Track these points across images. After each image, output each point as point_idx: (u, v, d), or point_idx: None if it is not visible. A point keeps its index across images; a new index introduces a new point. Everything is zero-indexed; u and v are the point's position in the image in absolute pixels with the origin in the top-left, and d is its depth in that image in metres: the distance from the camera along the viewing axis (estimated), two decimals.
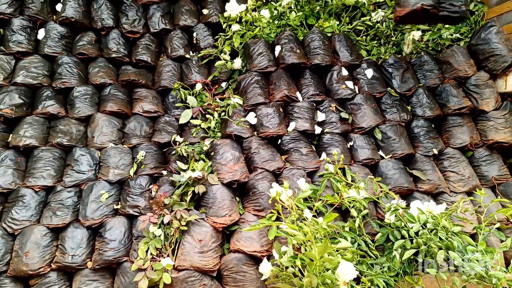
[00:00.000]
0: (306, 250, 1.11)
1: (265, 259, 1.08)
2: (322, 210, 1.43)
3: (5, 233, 1.46)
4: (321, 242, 1.01)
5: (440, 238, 1.21)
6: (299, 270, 1.00)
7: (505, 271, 1.09)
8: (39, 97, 1.79)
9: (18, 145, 1.62)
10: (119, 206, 1.59)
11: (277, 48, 1.90)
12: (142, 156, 1.72)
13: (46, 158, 1.63)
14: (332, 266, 0.89)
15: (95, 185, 1.59)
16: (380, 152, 1.75)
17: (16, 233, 1.47)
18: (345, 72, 1.90)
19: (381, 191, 1.53)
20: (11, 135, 1.68)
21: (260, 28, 2.04)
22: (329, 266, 0.90)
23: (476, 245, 1.19)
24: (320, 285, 0.89)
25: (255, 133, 1.71)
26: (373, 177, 1.59)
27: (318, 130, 1.75)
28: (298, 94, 1.82)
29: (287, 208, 1.20)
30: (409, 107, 1.86)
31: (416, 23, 1.89)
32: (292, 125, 1.72)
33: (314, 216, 1.21)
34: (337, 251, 1.00)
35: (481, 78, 1.84)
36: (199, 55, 2.04)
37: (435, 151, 1.73)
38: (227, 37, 2.07)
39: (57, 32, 1.92)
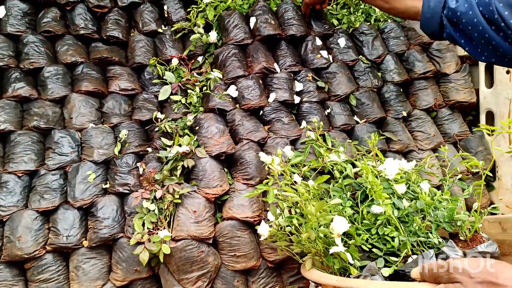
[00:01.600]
0: (296, 212, 1.21)
1: (263, 222, 1.17)
2: (307, 174, 1.53)
3: None
4: (313, 202, 1.11)
5: (413, 192, 1.35)
6: (295, 228, 1.10)
7: (467, 215, 1.25)
8: (7, 80, 1.70)
9: None
10: (107, 185, 1.60)
11: (252, 20, 1.91)
12: (125, 134, 1.71)
13: (25, 142, 1.58)
14: (326, 221, 0.99)
15: (81, 166, 1.58)
16: (355, 117, 1.87)
17: (4, 220, 1.45)
18: (319, 42, 1.96)
19: (358, 153, 1.65)
20: None
21: (233, 0, 2.03)
22: (323, 222, 1.00)
23: (442, 194, 1.34)
24: (317, 238, 0.99)
25: (237, 105, 1.76)
26: (350, 141, 1.71)
27: (297, 99, 1.82)
28: (275, 66, 1.86)
29: (279, 174, 1.28)
30: (379, 73, 1.97)
31: None
32: (272, 96, 1.78)
33: (302, 180, 1.31)
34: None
35: (443, 43, 1.98)
36: (172, 29, 2.00)
37: (404, 114, 1.88)
38: (200, 9, 2.04)
39: (18, 9, 1.80)
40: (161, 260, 1.40)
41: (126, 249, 1.47)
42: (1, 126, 1.58)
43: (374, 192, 1.20)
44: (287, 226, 1.12)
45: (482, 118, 1.93)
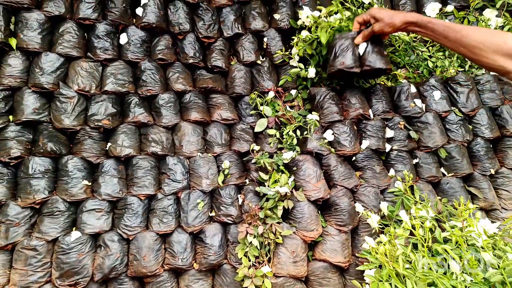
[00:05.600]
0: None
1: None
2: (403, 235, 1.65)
3: (121, 238, 1.68)
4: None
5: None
6: None
7: None
8: (127, 105, 1.90)
9: (120, 155, 1.77)
10: (213, 214, 1.80)
11: (362, 46, 1.73)
12: (228, 166, 1.88)
13: (145, 167, 1.79)
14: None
15: (191, 194, 1.78)
16: (442, 170, 1.94)
17: (130, 238, 1.68)
18: (413, 89, 2.00)
19: (446, 209, 1.74)
20: (109, 144, 1.82)
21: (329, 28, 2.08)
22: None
23: None
24: None
25: (332, 150, 1.87)
26: (439, 198, 1.80)
27: (387, 147, 1.91)
28: (370, 112, 1.94)
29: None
30: (470, 127, 2.00)
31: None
32: (365, 143, 1.88)
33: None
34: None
35: None
36: (274, 55, 2.10)
37: (492, 171, 1.93)
38: (299, 41, 2.12)
39: (138, 37, 1.96)
40: None
41: (230, 275, 1.68)
42: (126, 151, 1.79)
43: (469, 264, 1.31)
44: None
45: None
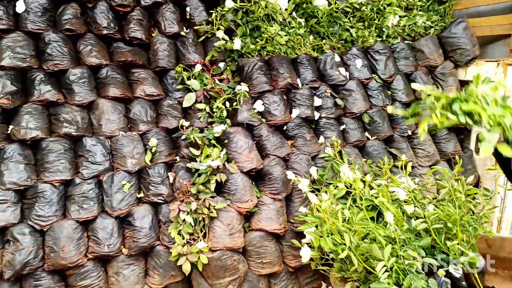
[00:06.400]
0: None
1: (305, 246, 1.33)
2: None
3: (33, 230, 1.48)
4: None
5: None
6: (337, 255, 1.26)
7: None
8: (31, 82, 1.66)
9: (25, 138, 1.55)
10: (141, 195, 1.67)
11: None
12: (155, 144, 1.76)
13: (57, 150, 1.59)
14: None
15: (115, 176, 1.64)
16: (367, 134, 2.04)
17: (45, 230, 1.49)
18: (337, 58, 2.06)
19: (371, 170, 1.84)
20: (10, 127, 1.58)
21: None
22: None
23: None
24: (359, 263, 1.18)
25: (263, 120, 1.85)
26: (365, 159, 1.89)
27: (316, 115, 1.95)
28: (298, 81, 1.96)
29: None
30: (389, 92, 2.13)
31: None
32: (295, 112, 1.89)
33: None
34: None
35: (447, 67, 2.16)
36: (195, 27, 2.00)
37: (409, 132, 2.08)
38: (223, 12, 2.04)
39: (39, 5, 1.72)
40: (200, 270, 1.54)
41: (164, 256, 1.59)
42: (32, 134, 1.57)
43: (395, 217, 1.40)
44: (330, 252, 1.29)
45: (473, 138, 2.17)
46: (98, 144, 1.67)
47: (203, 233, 1.61)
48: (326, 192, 1.40)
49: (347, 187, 1.46)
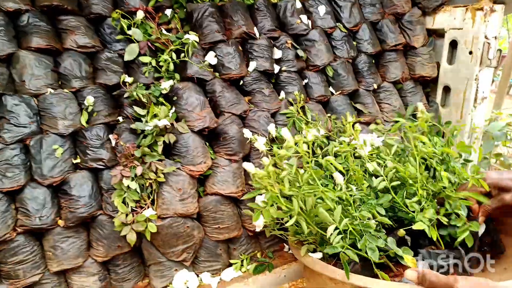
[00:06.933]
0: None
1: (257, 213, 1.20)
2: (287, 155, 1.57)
3: None
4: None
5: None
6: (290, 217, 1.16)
7: None
8: None
9: None
10: (78, 160, 1.48)
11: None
12: (92, 102, 1.54)
13: None
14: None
15: (44, 140, 1.42)
16: (331, 88, 1.90)
17: None
18: (299, 4, 1.87)
19: (335, 127, 1.73)
20: None
21: None
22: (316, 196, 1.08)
23: None
24: (312, 226, 1.08)
25: (217, 74, 1.66)
26: (329, 115, 1.77)
27: (276, 68, 1.78)
28: (255, 30, 1.76)
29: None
30: (354, 43, 1.98)
31: None
32: (252, 65, 1.71)
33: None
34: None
35: (415, 15, 2.03)
36: None
37: (375, 86, 1.96)
38: None
39: None
40: (148, 239, 1.40)
41: (107, 226, 1.43)
42: None
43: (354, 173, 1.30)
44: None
45: (439, 91, 2.09)
46: (21, 103, 1.43)
47: (150, 200, 1.45)
48: (269, 155, 1.26)
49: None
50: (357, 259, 1.01)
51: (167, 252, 1.48)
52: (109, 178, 1.46)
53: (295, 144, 1.25)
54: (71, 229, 1.41)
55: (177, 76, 1.66)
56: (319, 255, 1.18)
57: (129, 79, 1.65)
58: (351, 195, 1.18)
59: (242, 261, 1.62)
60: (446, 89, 2.07)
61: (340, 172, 1.20)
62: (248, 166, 1.16)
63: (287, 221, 1.13)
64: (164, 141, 1.48)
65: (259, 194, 1.23)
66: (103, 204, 1.46)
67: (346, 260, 1.01)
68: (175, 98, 1.57)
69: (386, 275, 1.04)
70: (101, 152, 1.48)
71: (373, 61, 2.01)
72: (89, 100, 1.54)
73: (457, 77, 1.96)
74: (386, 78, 2.01)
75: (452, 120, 1.99)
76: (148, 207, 1.43)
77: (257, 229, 1.22)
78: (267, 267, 1.60)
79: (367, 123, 1.92)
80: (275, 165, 1.43)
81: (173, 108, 1.58)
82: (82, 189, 1.42)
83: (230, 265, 1.62)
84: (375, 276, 1.09)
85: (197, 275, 1.56)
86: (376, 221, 1.11)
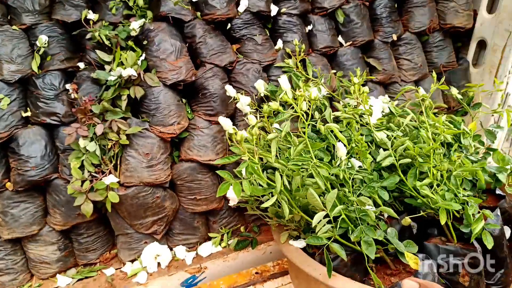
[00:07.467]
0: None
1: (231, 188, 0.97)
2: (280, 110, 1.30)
3: None
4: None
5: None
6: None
7: None
8: None
9: None
10: (29, 114, 1.25)
11: None
12: (45, 42, 1.27)
13: None
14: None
15: None
16: (340, 38, 1.57)
17: None
18: None
19: (341, 86, 1.43)
20: None
21: None
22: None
23: None
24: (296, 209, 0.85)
25: (198, 14, 1.35)
26: (334, 71, 1.46)
27: (274, 10, 1.45)
28: None
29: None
30: None
31: None
32: (243, 4, 1.38)
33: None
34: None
35: None
36: None
37: (394, 37, 1.62)
38: None
39: None
40: (109, 210, 1.21)
41: (64, 192, 1.23)
42: None
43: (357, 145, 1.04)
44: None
45: (473, 46, 1.74)
46: None
47: (113, 164, 1.24)
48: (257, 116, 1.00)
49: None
50: (344, 257, 0.80)
51: (134, 224, 1.30)
52: (65, 137, 1.23)
53: (294, 99, 0.98)
54: (22, 194, 1.23)
55: (149, 14, 1.36)
56: (302, 243, 0.97)
57: (92, 16, 1.35)
58: (350, 174, 0.94)
59: (222, 235, 1.43)
60: (481, 44, 1.71)
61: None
62: (224, 121, 0.91)
63: (268, 200, 0.90)
64: (129, 95, 1.23)
65: (235, 162, 0.99)
66: (59, 167, 1.26)
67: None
68: (145, 41, 1.29)
69: (378, 280, 0.83)
70: (56, 105, 1.24)
71: (395, 5, 1.64)
72: (41, 39, 1.27)
73: (497, 30, 1.59)
74: (409, 27, 1.66)
75: (484, 82, 1.67)
76: (109, 173, 1.22)
77: (231, 203, 1.00)
78: (250, 242, 1.42)
79: (381, 83, 1.62)
80: (264, 129, 1.19)
81: (143, 55, 1.30)
82: (33, 148, 1.21)
83: (210, 239, 1.44)
84: (366, 272, 0.89)
85: (171, 249, 1.39)
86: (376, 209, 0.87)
